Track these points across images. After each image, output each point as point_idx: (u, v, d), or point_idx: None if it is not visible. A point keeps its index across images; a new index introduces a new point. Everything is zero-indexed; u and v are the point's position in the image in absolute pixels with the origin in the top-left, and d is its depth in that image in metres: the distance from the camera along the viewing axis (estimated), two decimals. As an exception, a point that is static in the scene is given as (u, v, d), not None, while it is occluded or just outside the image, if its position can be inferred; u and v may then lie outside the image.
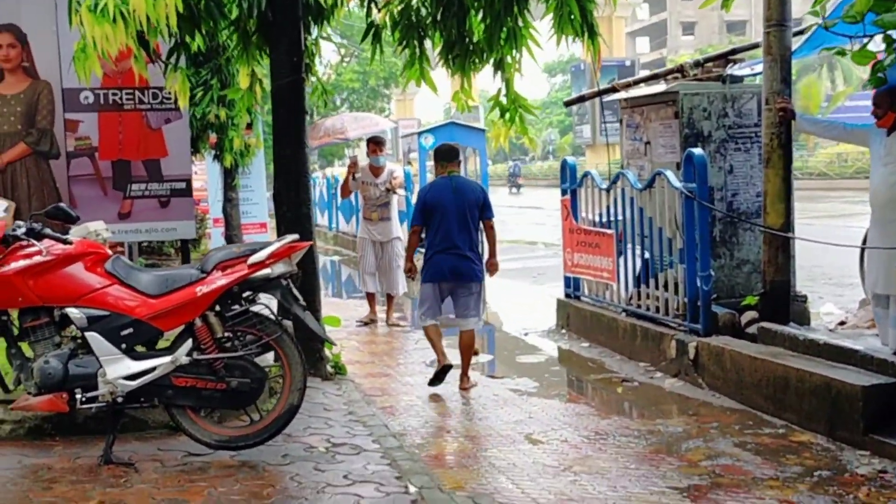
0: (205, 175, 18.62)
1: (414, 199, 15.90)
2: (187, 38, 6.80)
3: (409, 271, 7.78)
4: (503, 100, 7.58)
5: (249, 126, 15.82)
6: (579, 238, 9.36)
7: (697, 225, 7.46)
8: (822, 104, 43.25)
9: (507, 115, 7.62)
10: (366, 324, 10.55)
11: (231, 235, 15.84)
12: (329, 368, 7.49)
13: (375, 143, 10.69)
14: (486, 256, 7.68)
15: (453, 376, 7.51)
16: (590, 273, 9.25)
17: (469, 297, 7.39)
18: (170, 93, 7.08)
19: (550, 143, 69.69)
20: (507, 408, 6.94)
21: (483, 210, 7.47)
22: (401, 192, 11.21)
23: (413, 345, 9.43)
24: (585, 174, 9.42)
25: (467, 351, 7.49)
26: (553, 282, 12.24)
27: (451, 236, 7.29)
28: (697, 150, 7.57)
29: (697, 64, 8.92)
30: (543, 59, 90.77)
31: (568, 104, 9.93)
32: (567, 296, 9.87)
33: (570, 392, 7.80)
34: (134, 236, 8.40)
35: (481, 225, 7.58)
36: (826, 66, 54.95)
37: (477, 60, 7.51)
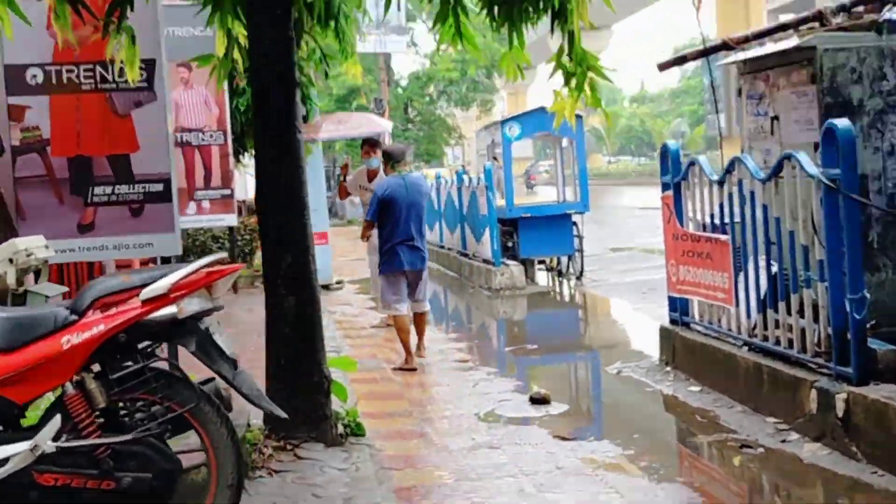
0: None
1: (498, 200, 14.57)
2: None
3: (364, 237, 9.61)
4: (566, 61, 5.94)
5: (305, 118, 14.56)
6: (685, 246, 7.64)
7: (844, 227, 5.67)
8: None
9: (574, 82, 5.98)
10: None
11: (285, 249, 14.56)
12: (340, 428, 6.02)
13: (369, 145, 10.96)
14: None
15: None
16: (700, 292, 7.52)
17: (422, 283, 8.79)
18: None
19: (681, 135, 67.03)
20: (577, 487, 5.31)
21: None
22: None
23: (470, 388, 7.85)
24: (691, 163, 7.69)
25: (423, 327, 9.00)
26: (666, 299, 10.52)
27: (408, 229, 8.56)
28: (841, 122, 5.78)
29: (842, 8, 7.08)
30: (673, 43, 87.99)
31: (663, 67, 8.19)
32: (672, 322, 8.12)
33: (668, 463, 6.02)
34: (98, 254, 7.01)
35: None
36: None
37: (530, 9, 5.89)
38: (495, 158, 15.58)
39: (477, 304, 13.55)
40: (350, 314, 12.02)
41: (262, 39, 5.79)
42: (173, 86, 12.70)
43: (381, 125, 12.85)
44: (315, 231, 14.88)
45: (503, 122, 14.65)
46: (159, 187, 7.03)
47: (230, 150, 13.46)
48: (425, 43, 37.43)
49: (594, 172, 64.34)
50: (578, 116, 14.69)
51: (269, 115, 5.89)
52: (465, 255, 15.73)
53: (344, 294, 14.35)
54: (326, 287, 14.63)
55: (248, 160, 16.03)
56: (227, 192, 13.35)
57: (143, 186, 7.00)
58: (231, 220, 13.33)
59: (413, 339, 8.79)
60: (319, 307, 6.06)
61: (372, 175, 10.81)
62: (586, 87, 5.97)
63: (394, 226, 8.58)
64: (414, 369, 8.50)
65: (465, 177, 15.89)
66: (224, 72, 6.33)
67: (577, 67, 5.92)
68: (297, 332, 5.87)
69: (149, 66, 6.98)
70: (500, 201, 14.58)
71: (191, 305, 3.78)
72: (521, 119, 14.52)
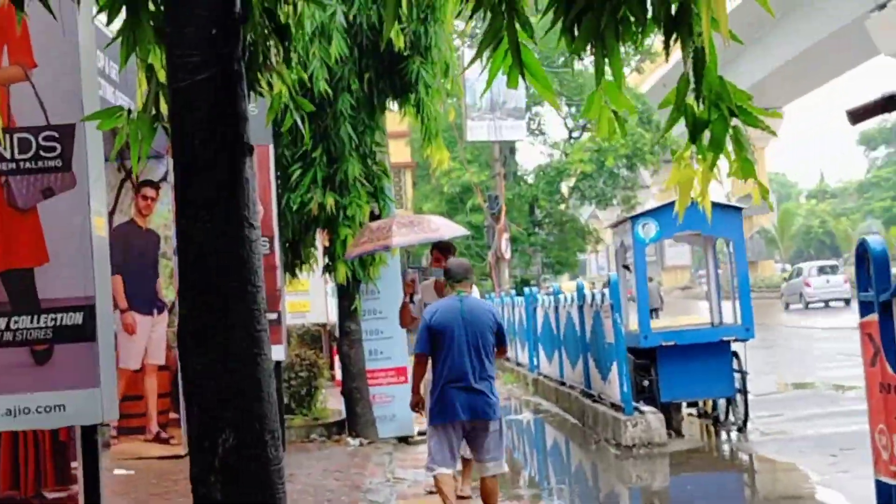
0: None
1: (632, 324, 12.63)
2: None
3: (416, 406, 8.25)
4: (692, 100, 4.03)
5: (377, 217, 12.95)
6: (902, 403, 5.56)
7: None
8: None
9: (710, 136, 4.06)
10: None
11: (350, 389, 12.84)
12: None
13: (440, 251, 9.78)
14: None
15: None
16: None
17: (488, 438, 7.67)
18: None
19: (872, 237, 64.24)
20: None
21: (498, 337, 7.79)
22: None
23: None
24: (907, 269, 5.66)
25: (491, 500, 7.75)
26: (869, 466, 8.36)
27: (463, 366, 7.60)
28: None
29: None
30: (859, 128, 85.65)
31: (857, 117, 6.14)
32: (884, 523, 5.97)
33: None
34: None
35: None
36: None
37: (630, 17, 4.03)
38: (626, 267, 13.62)
39: (599, 466, 11.61)
40: (424, 482, 10.15)
41: (177, 73, 4.01)
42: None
43: (459, 229, 11.26)
44: (390, 367, 13.48)
45: (634, 219, 12.66)
46: (77, 318, 5.49)
47: (278, 261, 11.97)
48: (554, 130, 36.01)
49: (764, 283, 61.46)
50: (738, 209, 12.74)
51: (197, 196, 4.07)
52: (590, 397, 13.74)
53: (425, 450, 12.46)
54: (405, 440, 12.89)
55: (307, 276, 14.56)
56: (274, 316, 11.72)
57: (52, 318, 5.44)
58: (279, 353, 11.62)
59: None
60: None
61: (443, 291, 9.08)
62: (728, 144, 4.06)
63: (445, 361, 7.66)
64: None
65: (587, 293, 13.96)
66: (143, 136, 4.51)
67: (712, 111, 4.01)
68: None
69: (63, 134, 5.45)
70: (633, 325, 12.60)
71: None
72: (659, 214, 12.47)
